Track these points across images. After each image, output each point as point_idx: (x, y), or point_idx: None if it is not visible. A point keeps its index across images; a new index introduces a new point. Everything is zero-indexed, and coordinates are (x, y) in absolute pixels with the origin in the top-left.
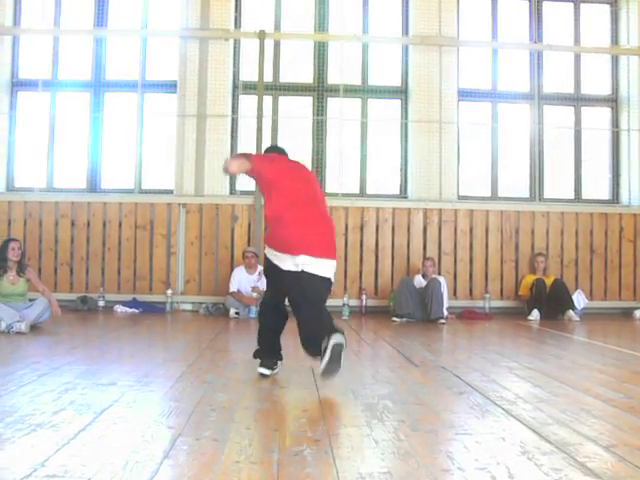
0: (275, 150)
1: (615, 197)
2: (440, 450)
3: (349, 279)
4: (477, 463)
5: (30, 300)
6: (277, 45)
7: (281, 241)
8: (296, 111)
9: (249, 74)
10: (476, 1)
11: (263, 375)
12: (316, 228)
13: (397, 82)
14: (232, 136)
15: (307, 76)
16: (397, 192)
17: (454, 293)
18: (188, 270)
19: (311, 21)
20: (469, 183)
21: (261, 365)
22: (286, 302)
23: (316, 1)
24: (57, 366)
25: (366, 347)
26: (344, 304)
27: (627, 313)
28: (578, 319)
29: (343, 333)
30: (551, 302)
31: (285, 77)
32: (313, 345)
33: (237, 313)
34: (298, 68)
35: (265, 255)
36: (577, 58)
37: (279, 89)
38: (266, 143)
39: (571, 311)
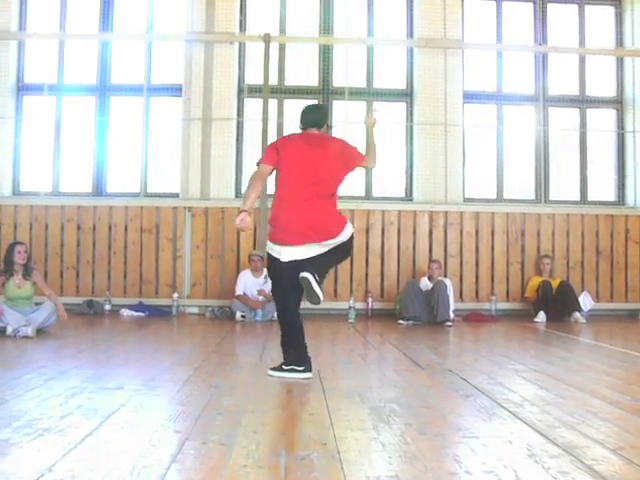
0: (303, 119)
1: (621, 199)
2: (447, 453)
3: (355, 282)
4: (484, 466)
5: (36, 304)
6: (282, 48)
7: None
8: None
9: (254, 77)
10: (481, 3)
11: (308, 379)
12: (291, 215)
13: (402, 85)
14: (237, 139)
15: (312, 79)
16: (402, 195)
17: (460, 295)
18: (194, 273)
19: (316, 24)
20: (475, 185)
21: (305, 370)
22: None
23: (321, 4)
24: (64, 370)
25: (372, 350)
26: (350, 307)
27: (633, 315)
28: (584, 321)
29: (312, 273)
30: (557, 304)
31: (290, 80)
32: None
33: (243, 316)
34: (303, 71)
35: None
36: (582, 60)
37: (284, 92)
38: None
39: (577, 313)
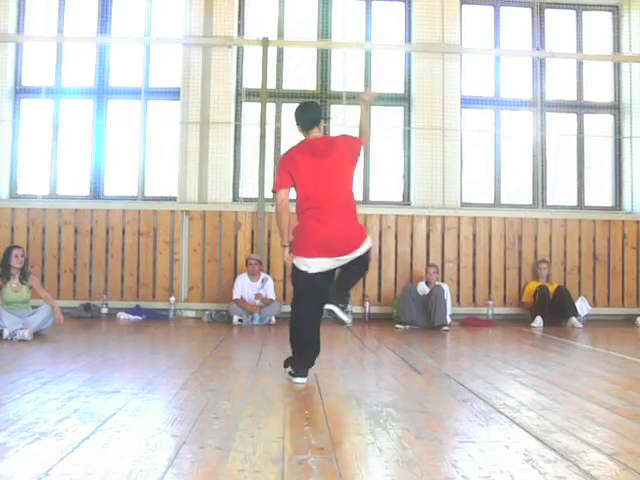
0: (302, 120)
1: (618, 204)
2: (444, 458)
3: None
4: (481, 471)
5: (33, 307)
6: (280, 52)
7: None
8: None
9: (252, 81)
10: (478, 8)
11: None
12: (323, 228)
13: (400, 89)
14: (235, 143)
15: (310, 83)
16: (400, 199)
17: (457, 300)
18: (191, 277)
19: (314, 28)
20: (472, 190)
21: (297, 374)
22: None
23: (319, 8)
24: (60, 374)
25: (369, 354)
26: (347, 311)
27: (630, 320)
28: (581, 326)
29: (337, 304)
30: (554, 309)
31: (288, 84)
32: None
33: (240, 320)
34: (301, 75)
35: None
36: (579, 65)
37: (282, 96)
38: (269, 150)
39: (574, 318)
